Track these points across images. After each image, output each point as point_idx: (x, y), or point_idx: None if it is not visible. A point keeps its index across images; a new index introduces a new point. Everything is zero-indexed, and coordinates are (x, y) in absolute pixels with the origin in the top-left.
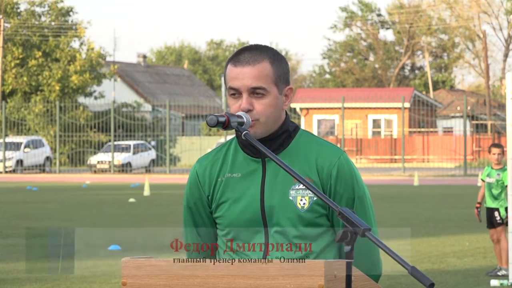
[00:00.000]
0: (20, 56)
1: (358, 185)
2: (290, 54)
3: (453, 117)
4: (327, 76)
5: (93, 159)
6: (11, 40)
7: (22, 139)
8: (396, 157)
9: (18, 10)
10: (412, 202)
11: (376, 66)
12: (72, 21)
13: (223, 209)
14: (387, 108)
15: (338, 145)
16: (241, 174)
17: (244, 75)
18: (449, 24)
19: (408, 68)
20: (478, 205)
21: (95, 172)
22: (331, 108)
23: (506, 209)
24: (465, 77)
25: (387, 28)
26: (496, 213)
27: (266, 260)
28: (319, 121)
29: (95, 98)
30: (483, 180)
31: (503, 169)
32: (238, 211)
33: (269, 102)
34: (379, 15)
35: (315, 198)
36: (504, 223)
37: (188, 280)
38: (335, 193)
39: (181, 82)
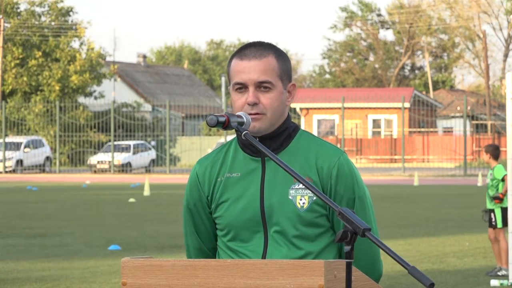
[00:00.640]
0: (20, 56)
1: (358, 185)
2: (290, 54)
3: (453, 117)
4: (327, 76)
5: (93, 159)
6: (11, 40)
7: (22, 139)
8: (396, 157)
9: (18, 10)
10: (412, 202)
11: (376, 66)
12: (72, 21)
13: (222, 209)
14: (387, 108)
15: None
16: (240, 174)
17: (250, 69)
18: (449, 24)
19: (408, 68)
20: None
21: (95, 172)
22: (331, 108)
23: (501, 209)
24: (465, 77)
25: (387, 28)
26: (492, 215)
27: (266, 260)
28: (319, 121)
29: (95, 98)
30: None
31: (494, 167)
32: (238, 211)
33: (275, 96)
34: (379, 15)
35: (314, 198)
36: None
37: (188, 280)
38: (335, 194)
39: (181, 82)
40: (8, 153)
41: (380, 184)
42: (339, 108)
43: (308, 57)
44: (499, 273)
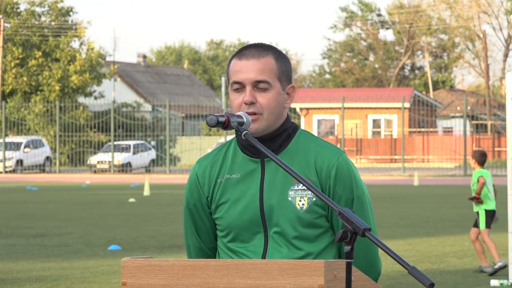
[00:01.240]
0: (20, 56)
1: (357, 185)
2: (290, 54)
3: (453, 117)
4: (327, 76)
5: (93, 159)
6: (11, 40)
7: (22, 139)
8: (396, 157)
9: (18, 10)
10: (412, 202)
11: (376, 66)
12: (72, 21)
13: (222, 210)
14: (387, 108)
15: (338, 145)
16: (240, 175)
17: (248, 68)
18: (449, 24)
19: (408, 68)
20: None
21: (95, 172)
22: (331, 108)
23: (486, 211)
24: (465, 77)
25: (387, 28)
26: (477, 218)
27: (266, 260)
28: (319, 121)
29: (95, 98)
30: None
31: (473, 171)
32: (238, 212)
33: (272, 97)
34: (379, 15)
35: (314, 199)
36: (479, 226)
37: (188, 280)
38: (334, 194)
39: (181, 82)
40: (8, 153)
41: (380, 184)
42: (339, 108)
43: (308, 57)
44: (496, 266)
